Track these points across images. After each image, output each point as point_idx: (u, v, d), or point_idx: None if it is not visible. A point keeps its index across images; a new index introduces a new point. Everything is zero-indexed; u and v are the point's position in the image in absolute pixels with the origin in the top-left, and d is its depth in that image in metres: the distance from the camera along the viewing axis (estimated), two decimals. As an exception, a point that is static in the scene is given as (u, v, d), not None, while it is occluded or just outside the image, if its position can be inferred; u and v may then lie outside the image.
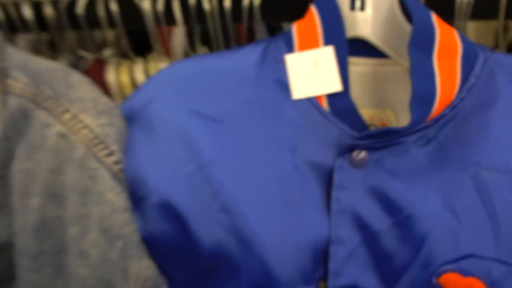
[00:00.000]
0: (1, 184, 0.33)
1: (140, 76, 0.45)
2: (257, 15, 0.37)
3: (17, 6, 0.42)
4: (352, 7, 0.32)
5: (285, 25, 0.46)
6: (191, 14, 0.38)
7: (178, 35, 0.49)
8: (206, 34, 0.42)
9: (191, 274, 0.32)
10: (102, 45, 0.53)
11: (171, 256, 0.32)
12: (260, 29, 0.43)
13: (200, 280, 0.32)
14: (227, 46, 0.41)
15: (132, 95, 0.36)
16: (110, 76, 0.47)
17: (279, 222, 0.30)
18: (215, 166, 0.30)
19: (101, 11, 0.40)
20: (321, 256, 0.30)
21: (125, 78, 0.46)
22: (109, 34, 0.53)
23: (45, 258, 0.32)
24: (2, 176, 0.33)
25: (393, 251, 0.29)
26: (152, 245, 0.32)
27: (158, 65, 0.45)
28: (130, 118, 0.34)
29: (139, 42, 0.46)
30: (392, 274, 0.30)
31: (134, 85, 0.46)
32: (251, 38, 0.42)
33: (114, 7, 0.39)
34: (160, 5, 0.39)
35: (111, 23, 0.40)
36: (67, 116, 0.33)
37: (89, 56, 0.47)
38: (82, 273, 0.32)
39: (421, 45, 0.28)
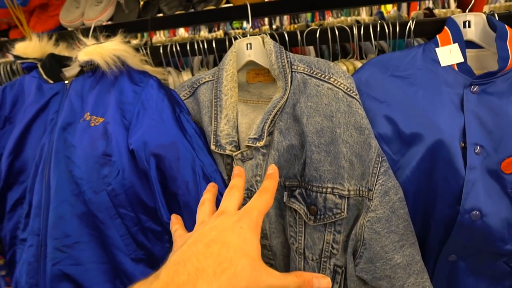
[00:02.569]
0: (294, 117, 0.73)
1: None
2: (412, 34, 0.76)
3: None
4: (464, 26, 0.71)
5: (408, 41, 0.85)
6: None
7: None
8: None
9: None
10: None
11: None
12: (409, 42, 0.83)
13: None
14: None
15: (355, 72, 0.76)
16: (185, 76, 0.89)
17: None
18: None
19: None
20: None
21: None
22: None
23: (325, 145, 0.70)
24: (291, 112, 0.73)
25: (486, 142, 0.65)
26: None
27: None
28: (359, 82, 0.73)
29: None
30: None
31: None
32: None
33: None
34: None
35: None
36: (331, 79, 0.73)
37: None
38: (344, 150, 0.70)
39: (501, 38, 0.66)
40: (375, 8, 2.21)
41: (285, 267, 0.82)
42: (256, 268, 0.37)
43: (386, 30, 0.77)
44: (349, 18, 1.30)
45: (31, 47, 0.95)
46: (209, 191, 0.54)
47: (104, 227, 0.76)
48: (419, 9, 1.43)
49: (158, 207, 0.75)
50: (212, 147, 0.76)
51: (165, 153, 0.73)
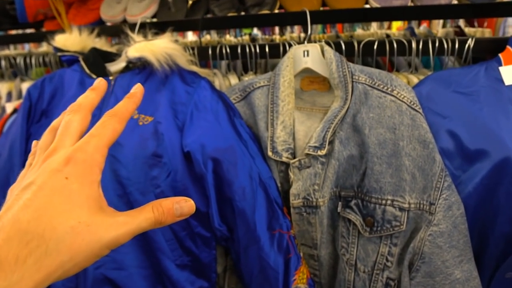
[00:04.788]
0: (354, 127, 0.73)
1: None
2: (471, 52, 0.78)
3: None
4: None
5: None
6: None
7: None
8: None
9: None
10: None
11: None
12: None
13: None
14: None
15: (414, 86, 0.76)
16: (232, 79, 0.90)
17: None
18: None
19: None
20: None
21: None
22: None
23: (387, 157, 0.70)
24: (351, 122, 0.73)
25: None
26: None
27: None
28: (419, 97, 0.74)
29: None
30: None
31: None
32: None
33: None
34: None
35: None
36: (394, 92, 0.73)
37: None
38: (406, 163, 0.70)
39: None
40: (386, 24, 2.25)
41: (331, 278, 0.81)
42: (83, 230, 0.29)
43: (445, 46, 0.77)
44: (379, 31, 1.31)
45: (71, 39, 0.91)
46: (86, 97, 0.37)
47: (150, 231, 0.74)
48: (443, 27, 1.46)
49: (211, 212, 0.73)
50: (269, 153, 0.75)
51: (223, 157, 0.71)
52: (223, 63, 1.08)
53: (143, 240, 0.74)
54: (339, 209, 0.75)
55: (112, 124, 0.34)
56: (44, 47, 1.52)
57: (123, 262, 0.73)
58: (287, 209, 0.77)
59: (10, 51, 1.55)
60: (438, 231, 0.67)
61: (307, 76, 0.83)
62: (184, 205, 0.34)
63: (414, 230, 0.70)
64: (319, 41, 0.83)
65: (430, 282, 0.69)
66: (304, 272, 0.76)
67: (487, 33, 1.22)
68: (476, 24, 1.38)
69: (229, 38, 1.47)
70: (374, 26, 2.11)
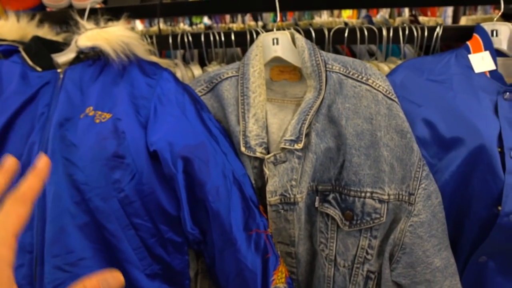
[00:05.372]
0: (329, 118, 0.70)
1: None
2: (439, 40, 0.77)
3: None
4: (491, 35, 0.73)
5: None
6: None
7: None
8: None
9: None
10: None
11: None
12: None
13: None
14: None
15: (388, 75, 0.75)
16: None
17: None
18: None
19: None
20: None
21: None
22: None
23: (365, 149, 0.68)
24: (326, 113, 0.70)
25: None
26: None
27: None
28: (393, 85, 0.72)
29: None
30: None
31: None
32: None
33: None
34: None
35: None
36: (369, 81, 0.71)
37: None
38: (385, 154, 0.68)
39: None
40: (335, 12, 2.27)
41: (309, 274, 0.78)
42: None
43: (415, 34, 0.77)
44: (336, 20, 1.30)
45: (7, 27, 0.80)
46: None
47: (115, 240, 0.66)
48: (398, 15, 1.48)
49: (183, 215, 0.67)
50: (242, 148, 0.70)
51: (194, 155, 0.66)
52: (178, 53, 1.01)
53: (107, 251, 0.67)
54: (316, 204, 0.72)
55: (15, 210, 0.29)
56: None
57: (85, 277, 0.65)
58: (263, 206, 0.73)
59: None
60: (418, 221, 0.67)
61: (277, 65, 0.79)
62: (111, 281, 0.30)
63: (394, 221, 0.69)
64: (282, 29, 0.79)
65: (411, 272, 0.68)
66: (282, 272, 0.72)
67: (440, 22, 1.25)
68: (429, 13, 1.42)
69: (183, 27, 1.39)
70: (325, 14, 2.12)
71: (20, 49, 0.77)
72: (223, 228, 0.67)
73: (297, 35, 0.75)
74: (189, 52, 0.98)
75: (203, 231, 0.69)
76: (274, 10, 0.75)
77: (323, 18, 2.18)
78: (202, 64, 0.90)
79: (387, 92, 0.70)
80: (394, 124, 0.68)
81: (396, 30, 0.77)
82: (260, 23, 1.32)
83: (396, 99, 0.69)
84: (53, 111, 0.70)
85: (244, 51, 0.87)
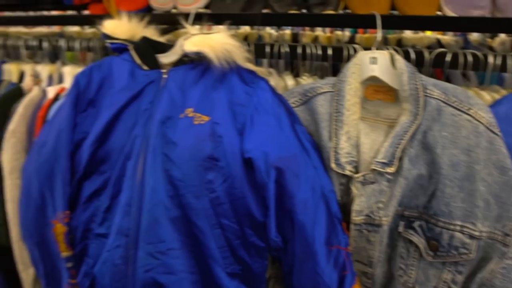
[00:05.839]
0: (424, 145, 0.68)
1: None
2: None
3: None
4: None
5: None
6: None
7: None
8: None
9: None
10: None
11: None
12: None
13: None
14: None
15: (491, 105, 0.71)
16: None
17: None
18: None
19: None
20: None
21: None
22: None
23: (459, 180, 0.66)
24: (420, 139, 0.68)
25: None
26: None
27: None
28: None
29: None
30: None
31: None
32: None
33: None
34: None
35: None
36: (471, 111, 0.68)
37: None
38: (481, 189, 0.65)
39: None
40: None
41: (382, 297, 0.78)
42: None
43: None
44: (428, 35, 1.26)
45: (121, 26, 0.87)
46: None
47: (202, 236, 0.70)
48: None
49: (269, 222, 0.69)
50: (332, 165, 0.71)
51: (286, 167, 0.68)
52: (265, 60, 1.03)
53: (195, 246, 0.71)
54: (400, 228, 0.71)
55: None
56: (75, 28, 1.46)
57: (172, 267, 0.70)
58: (345, 223, 0.73)
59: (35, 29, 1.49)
60: (512, 264, 0.64)
61: (371, 84, 0.78)
62: None
63: (483, 259, 0.67)
64: (380, 48, 0.78)
65: (496, 315, 0.66)
66: (357, 290, 0.73)
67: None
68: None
69: (269, 30, 1.41)
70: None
71: (130, 48, 0.84)
72: (306, 240, 0.69)
73: (396, 56, 0.74)
74: (275, 60, 1.00)
75: (285, 240, 0.71)
76: (373, 27, 0.75)
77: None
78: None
79: (489, 124, 0.67)
80: (495, 159, 0.65)
81: (504, 58, 0.74)
82: (346, 33, 1.31)
83: (499, 133, 0.67)
84: (155, 108, 0.75)
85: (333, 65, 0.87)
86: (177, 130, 0.72)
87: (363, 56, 0.76)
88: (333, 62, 0.82)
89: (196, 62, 0.79)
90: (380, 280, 0.76)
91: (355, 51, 0.79)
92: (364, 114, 0.78)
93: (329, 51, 0.81)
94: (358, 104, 0.74)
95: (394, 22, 0.78)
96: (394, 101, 0.77)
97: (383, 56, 0.75)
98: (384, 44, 1.14)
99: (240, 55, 0.80)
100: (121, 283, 0.70)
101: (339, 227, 0.70)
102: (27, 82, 1.05)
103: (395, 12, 0.86)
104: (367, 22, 0.76)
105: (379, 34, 0.76)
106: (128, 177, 0.72)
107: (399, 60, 0.73)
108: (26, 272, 1.00)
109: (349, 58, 0.78)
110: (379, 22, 0.75)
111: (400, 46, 1.08)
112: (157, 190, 0.69)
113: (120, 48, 0.86)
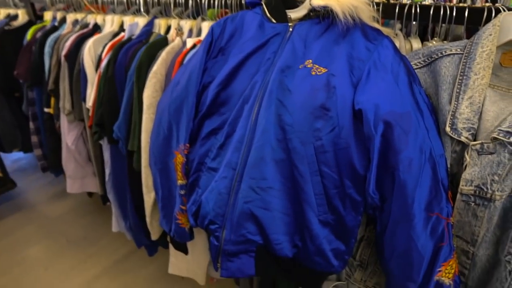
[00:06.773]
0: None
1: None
2: None
3: None
4: None
5: None
6: None
7: None
8: None
9: None
10: None
11: None
12: None
13: None
14: None
15: None
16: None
17: None
18: None
19: None
20: None
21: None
22: None
23: None
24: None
25: None
26: None
27: None
28: None
29: None
30: None
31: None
32: None
33: None
34: None
35: None
36: None
37: None
38: None
39: None
40: None
41: (482, 284, 0.71)
42: None
43: None
44: None
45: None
46: None
47: (302, 181, 0.74)
48: None
49: (369, 176, 0.70)
50: (447, 128, 0.67)
51: (396, 122, 0.66)
52: (396, 25, 0.99)
53: (292, 188, 0.75)
54: (518, 210, 0.64)
55: None
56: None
57: (269, 204, 0.76)
58: (451, 193, 0.69)
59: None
60: None
61: (511, 50, 0.70)
62: None
63: None
64: None
65: None
66: (452, 267, 0.68)
67: None
68: None
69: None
70: None
71: (262, 2, 0.90)
72: (405, 201, 0.67)
73: (549, 19, 0.65)
74: (409, 27, 0.96)
75: (383, 198, 0.71)
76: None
77: None
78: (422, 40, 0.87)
79: None
80: None
81: None
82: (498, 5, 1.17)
83: None
84: (277, 58, 0.80)
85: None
86: (294, 79, 0.76)
87: (505, 18, 0.68)
88: (470, 26, 0.75)
89: (322, 17, 0.81)
90: (482, 263, 0.70)
91: (498, 12, 0.71)
92: (496, 81, 0.71)
93: (466, 13, 0.75)
94: (489, 69, 0.68)
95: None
96: (536, 71, 0.68)
97: (530, 19, 0.67)
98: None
99: (367, 13, 0.79)
100: (221, 210, 0.79)
101: (443, 194, 0.67)
102: (171, 33, 1.21)
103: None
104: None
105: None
106: (243, 118, 0.79)
107: (551, 23, 0.64)
108: (149, 195, 1.17)
109: (488, 20, 0.71)
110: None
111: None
112: (267, 131, 0.75)
113: (253, 2, 0.93)
